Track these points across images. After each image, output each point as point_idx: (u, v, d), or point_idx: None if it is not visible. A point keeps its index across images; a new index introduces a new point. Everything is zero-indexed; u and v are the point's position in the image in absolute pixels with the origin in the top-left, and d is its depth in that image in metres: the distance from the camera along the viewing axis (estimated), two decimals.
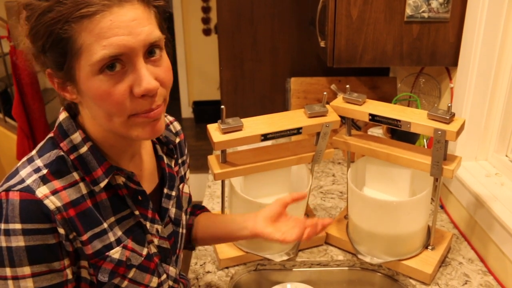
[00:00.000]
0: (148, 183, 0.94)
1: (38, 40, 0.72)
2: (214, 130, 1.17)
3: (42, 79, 5.07)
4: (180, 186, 1.05)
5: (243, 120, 1.18)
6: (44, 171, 0.78)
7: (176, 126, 1.10)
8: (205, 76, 5.54)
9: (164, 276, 0.94)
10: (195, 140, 5.18)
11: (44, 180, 0.77)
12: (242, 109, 2.20)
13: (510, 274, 1.19)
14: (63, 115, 0.84)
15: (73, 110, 0.86)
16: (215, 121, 1.18)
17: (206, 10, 5.27)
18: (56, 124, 0.84)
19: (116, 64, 0.72)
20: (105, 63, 0.71)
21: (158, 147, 0.99)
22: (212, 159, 1.23)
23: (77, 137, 0.82)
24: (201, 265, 1.31)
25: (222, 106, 1.15)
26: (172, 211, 0.98)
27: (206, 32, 5.35)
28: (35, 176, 0.77)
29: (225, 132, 1.15)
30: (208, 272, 1.28)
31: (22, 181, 0.76)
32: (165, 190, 0.96)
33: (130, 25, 0.71)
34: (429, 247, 1.29)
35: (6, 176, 0.80)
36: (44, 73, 0.78)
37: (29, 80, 3.11)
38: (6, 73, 3.50)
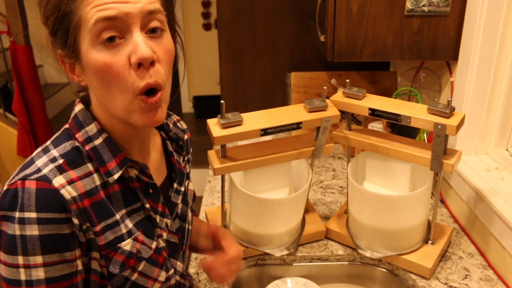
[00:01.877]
0: (156, 178, 0.94)
1: (49, 19, 0.76)
2: (213, 125, 1.17)
3: (42, 74, 5.06)
4: (186, 183, 1.05)
5: (242, 114, 1.18)
6: (60, 161, 0.79)
7: (183, 124, 1.12)
8: (205, 71, 5.53)
9: (172, 270, 0.95)
10: (196, 135, 5.18)
11: (60, 169, 0.78)
12: (242, 103, 2.20)
13: (510, 268, 1.19)
14: (78, 107, 0.85)
15: (87, 103, 0.87)
16: (215, 116, 1.18)
17: (206, 5, 5.26)
18: (72, 116, 0.85)
19: (115, 37, 0.73)
20: (101, 27, 0.72)
21: (168, 143, 0.99)
22: (212, 154, 1.23)
23: (92, 128, 0.83)
24: (201, 260, 1.30)
25: (222, 101, 1.14)
26: (179, 206, 0.99)
27: (206, 27, 5.34)
28: (51, 166, 0.78)
29: (224, 127, 1.15)
30: None
31: (39, 170, 0.77)
32: (175, 185, 0.97)
33: None
34: (429, 242, 1.29)
35: (20, 165, 0.80)
36: (58, 59, 0.80)
37: (29, 76, 3.10)
38: (6, 68, 3.50)
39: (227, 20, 2.07)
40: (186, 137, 1.08)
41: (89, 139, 0.82)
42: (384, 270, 1.32)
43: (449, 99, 1.12)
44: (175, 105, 5.80)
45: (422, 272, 1.23)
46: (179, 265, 0.98)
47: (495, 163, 1.45)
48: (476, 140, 1.47)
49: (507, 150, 1.44)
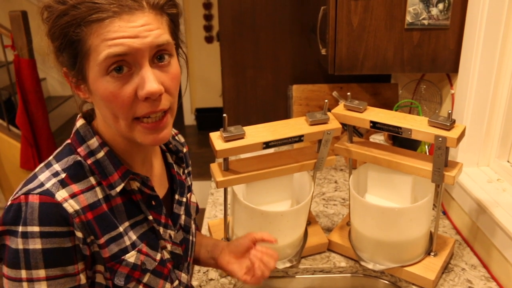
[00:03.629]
0: (158, 190, 0.95)
1: (55, 40, 0.76)
2: (216, 138, 1.17)
3: (45, 88, 5.09)
4: (188, 196, 1.06)
5: (245, 128, 1.19)
6: (63, 175, 0.80)
7: (181, 138, 1.13)
8: (208, 83, 5.56)
9: (177, 282, 0.95)
10: (198, 147, 5.18)
11: (63, 183, 0.78)
12: (244, 116, 2.21)
13: None
14: (80, 122, 0.87)
15: (90, 117, 0.89)
16: (218, 128, 1.19)
17: (208, 17, 5.29)
18: (74, 131, 0.86)
19: (123, 66, 0.74)
20: (111, 62, 0.73)
21: (168, 155, 1.01)
22: (215, 167, 1.24)
23: (94, 142, 0.84)
24: (204, 273, 1.31)
25: (224, 115, 1.15)
26: (182, 217, 0.99)
27: (208, 39, 5.37)
28: (54, 180, 0.78)
29: (227, 140, 1.16)
30: (211, 279, 1.28)
31: (42, 184, 0.77)
32: (177, 196, 0.98)
33: (138, 30, 0.73)
34: (432, 253, 1.29)
35: (24, 181, 0.81)
36: (61, 72, 0.81)
37: (32, 89, 3.12)
38: (10, 81, 3.52)
39: (229, 33, 2.08)
40: (185, 150, 1.09)
41: (91, 153, 0.83)
42: (387, 282, 1.32)
43: (450, 111, 1.13)
44: (177, 118, 5.78)
45: (424, 284, 1.23)
46: (184, 276, 0.98)
47: (497, 174, 1.45)
48: (477, 152, 1.47)
49: (508, 161, 1.45)
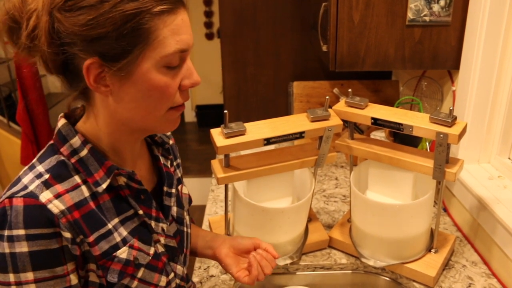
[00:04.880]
0: (147, 184, 0.95)
1: (104, 27, 0.71)
2: (217, 135, 1.17)
3: (45, 84, 5.09)
4: (179, 188, 1.06)
5: (246, 124, 1.19)
6: (46, 176, 0.79)
7: None
8: (208, 80, 5.55)
9: (172, 275, 0.95)
10: (198, 144, 5.19)
11: (46, 184, 0.78)
12: (245, 113, 2.21)
13: None
14: (61, 122, 0.85)
15: (73, 117, 0.88)
16: (218, 125, 1.19)
17: (208, 14, 5.29)
18: (56, 131, 0.85)
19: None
20: (177, 57, 0.77)
21: (154, 147, 1.00)
22: (216, 164, 1.24)
23: (76, 141, 0.83)
24: (204, 269, 1.31)
25: (225, 111, 1.15)
26: (174, 209, 0.99)
27: (209, 36, 5.37)
28: (37, 182, 0.78)
29: (228, 136, 1.15)
30: (212, 276, 1.29)
31: (25, 187, 0.77)
32: (165, 188, 0.97)
33: (189, 27, 0.80)
34: (433, 250, 1.29)
35: (9, 185, 0.80)
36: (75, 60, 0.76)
37: (33, 85, 3.12)
38: (10, 78, 3.52)
39: (230, 30, 2.08)
40: (171, 142, 1.07)
41: (74, 152, 0.82)
42: (388, 278, 1.32)
43: (451, 108, 1.13)
44: None
45: (425, 280, 1.23)
46: (179, 268, 0.98)
47: (498, 171, 1.45)
48: (478, 149, 1.47)
49: (509, 158, 1.45)
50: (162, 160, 1.00)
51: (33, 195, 0.76)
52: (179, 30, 0.76)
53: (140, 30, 0.73)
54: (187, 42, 0.78)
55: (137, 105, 0.80)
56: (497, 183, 1.38)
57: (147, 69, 0.76)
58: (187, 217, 1.05)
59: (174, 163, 1.08)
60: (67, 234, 0.77)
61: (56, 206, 0.76)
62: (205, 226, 1.50)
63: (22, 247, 0.74)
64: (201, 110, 5.60)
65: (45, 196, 0.76)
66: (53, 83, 5.42)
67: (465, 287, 1.22)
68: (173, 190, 0.99)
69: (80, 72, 0.77)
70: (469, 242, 1.40)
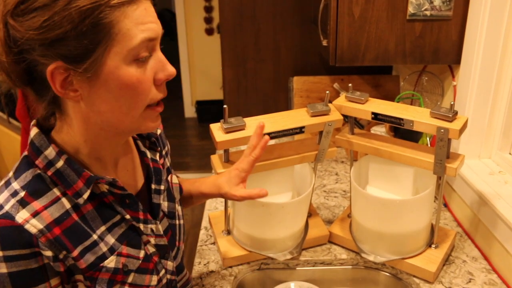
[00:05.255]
0: (137, 181, 0.93)
1: (61, 27, 0.68)
2: (216, 130, 1.17)
3: None
4: (169, 178, 1.04)
5: (245, 119, 1.19)
6: (22, 193, 0.76)
7: None
8: (208, 76, 5.55)
9: (163, 271, 0.94)
10: (198, 139, 5.18)
11: (22, 203, 0.75)
12: (245, 108, 2.20)
13: None
14: (33, 131, 0.81)
15: (46, 125, 0.83)
16: (218, 121, 1.18)
17: (208, 9, 5.27)
18: (29, 142, 0.81)
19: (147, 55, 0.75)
20: (144, 47, 0.73)
21: (139, 142, 0.97)
22: (215, 159, 1.23)
23: (51, 152, 0.79)
24: (204, 265, 1.31)
25: (225, 106, 1.15)
26: (165, 204, 0.97)
27: (209, 31, 5.35)
28: (13, 201, 0.75)
29: (227, 131, 1.15)
30: (212, 271, 1.28)
31: (1, 207, 0.74)
32: (153, 186, 0.95)
33: (155, 16, 0.76)
34: (433, 246, 1.29)
35: None
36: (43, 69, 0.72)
37: None
38: None
39: (230, 25, 2.07)
40: (159, 131, 1.04)
41: (50, 164, 0.78)
42: (388, 274, 1.32)
43: (452, 103, 1.12)
44: (178, 110, 5.82)
45: (425, 276, 1.23)
46: (170, 264, 0.96)
47: (498, 166, 1.45)
48: (479, 144, 1.47)
49: (510, 153, 1.44)
50: (149, 154, 0.97)
51: (8, 216, 0.73)
52: (143, 20, 0.72)
53: (100, 25, 0.69)
54: (155, 30, 0.74)
55: (111, 107, 0.76)
56: (498, 179, 1.38)
57: (115, 66, 0.72)
58: (178, 208, 1.03)
59: (163, 152, 1.05)
60: (48, 253, 0.75)
61: (33, 226, 0.73)
62: (205, 221, 1.50)
63: (1, 268, 0.72)
64: (201, 105, 5.59)
65: (21, 216, 0.73)
66: None
67: (465, 283, 1.22)
68: (162, 187, 0.97)
69: (45, 80, 0.72)
70: (470, 237, 1.40)
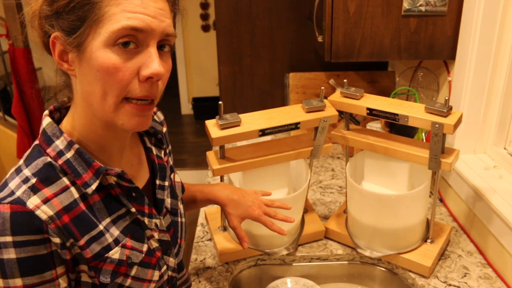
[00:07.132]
0: (141, 177, 0.94)
1: (58, 0, 0.74)
2: (212, 126, 1.17)
3: (41, 77, 5.07)
4: (172, 176, 1.04)
5: (241, 115, 1.19)
6: (33, 180, 0.77)
7: (160, 116, 1.08)
8: (205, 73, 5.54)
9: (165, 267, 0.95)
10: (195, 136, 5.18)
11: (34, 189, 0.76)
12: (241, 104, 2.20)
13: (509, 266, 1.20)
14: (46, 121, 0.83)
15: (57, 114, 0.86)
16: (215, 117, 1.18)
17: (204, 6, 5.26)
18: (41, 131, 0.83)
19: (131, 42, 0.74)
20: (123, 34, 0.73)
21: (146, 139, 0.98)
22: (211, 155, 1.23)
23: (62, 141, 0.81)
24: (201, 261, 1.31)
25: (220, 102, 1.15)
26: (168, 201, 0.98)
27: (205, 28, 5.35)
28: (24, 187, 0.76)
29: (223, 127, 1.15)
30: (208, 267, 1.29)
31: (12, 193, 0.75)
32: (158, 181, 0.96)
33: (156, 11, 0.75)
34: (428, 240, 1.29)
35: None
36: (43, 38, 0.79)
37: (28, 78, 3.10)
38: (5, 71, 3.50)
39: (226, 22, 2.07)
40: (164, 129, 1.05)
41: (61, 153, 0.80)
42: (384, 269, 1.32)
43: (446, 98, 1.13)
44: (174, 107, 5.81)
45: (421, 270, 1.23)
46: (171, 260, 0.97)
47: (493, 161, 1.45)
48: (474, 139, 1.47)
49: (505, 148, 1.45)
50: (155, 151, 0.99)
51: (20, 202, 0.74)
52: (132, 9, 0.72)
53: (88, 5, 0.72)
54: (145, 22, 0.73)
55: (92, 89, 0.76)
56: (493, 173, 1.39)
57: (97, 46, 0.73)
58: (180, 206, 1.04)
59: (167, 151, 1.06)
60: (56, 240, 0.76)
61: (44, 212, 0.74)
62: (201, 217, 1.50)
63: (10, 254, 0.73)
64: (197, 102, 5.59)
65: (32, 202, 0.74)
66: (48, 76, 5.40)
67: (461, 277, 1.22)
68: (166, 183, 0.98)
69: None
70: (465, 232, 1.41)
